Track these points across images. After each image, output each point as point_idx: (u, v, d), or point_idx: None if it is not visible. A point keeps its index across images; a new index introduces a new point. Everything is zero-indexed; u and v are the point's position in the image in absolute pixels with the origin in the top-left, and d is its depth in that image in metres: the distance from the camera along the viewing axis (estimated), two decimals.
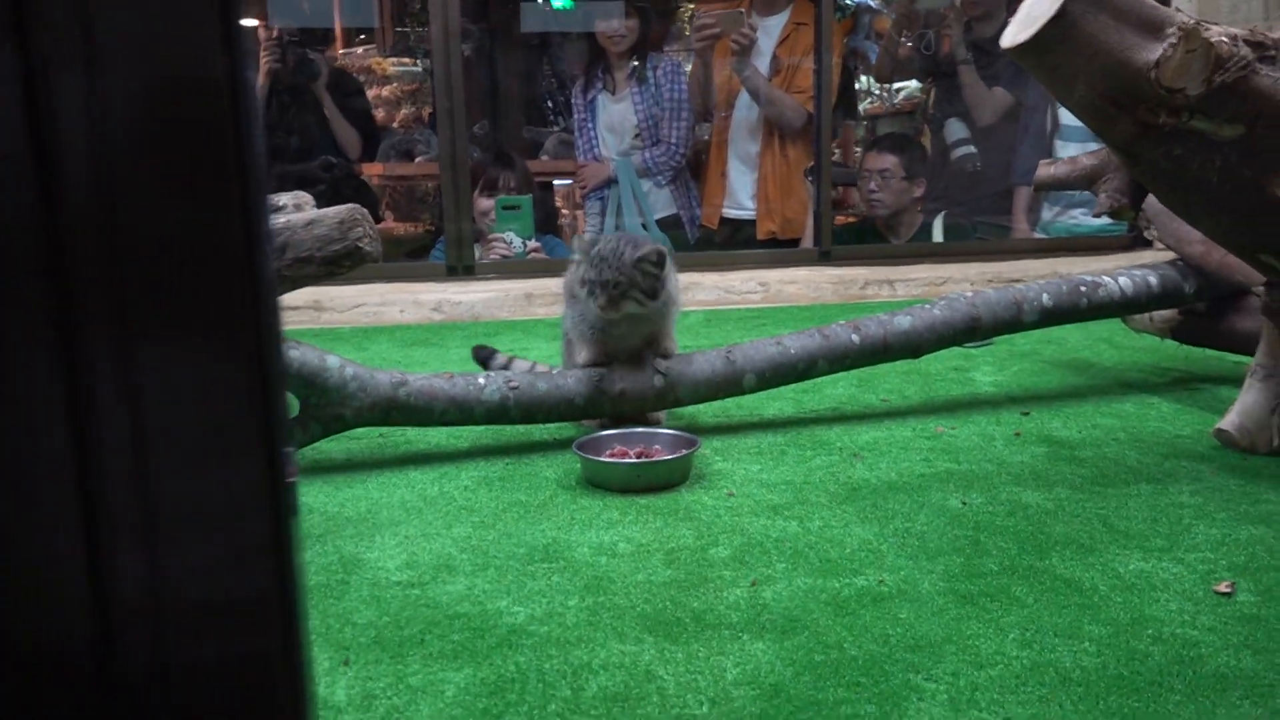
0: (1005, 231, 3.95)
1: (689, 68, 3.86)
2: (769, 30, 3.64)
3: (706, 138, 3.97)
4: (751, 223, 3.77)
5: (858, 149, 5.39)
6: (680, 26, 4.43)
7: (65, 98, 0.43)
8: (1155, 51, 1.40)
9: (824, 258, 3.36)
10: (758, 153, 3.73)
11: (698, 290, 3.12)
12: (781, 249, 3.55)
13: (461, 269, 3.21)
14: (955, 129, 3.97)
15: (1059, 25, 1.39)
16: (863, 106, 6.46)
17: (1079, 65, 1.43)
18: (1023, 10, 1.46)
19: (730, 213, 3.84)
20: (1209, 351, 2.19)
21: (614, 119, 3.91)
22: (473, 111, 4.13)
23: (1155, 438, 1.77)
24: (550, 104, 4.48)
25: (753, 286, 3.15)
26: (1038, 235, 3.76)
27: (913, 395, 2.10)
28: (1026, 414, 1.94)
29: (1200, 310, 2.07)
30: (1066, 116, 3.72)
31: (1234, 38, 1.41)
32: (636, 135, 3.86)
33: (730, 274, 3.23)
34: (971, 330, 1.94)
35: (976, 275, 3.25)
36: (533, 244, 3.25)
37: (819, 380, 2.06)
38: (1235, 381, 1.99)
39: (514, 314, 3.03)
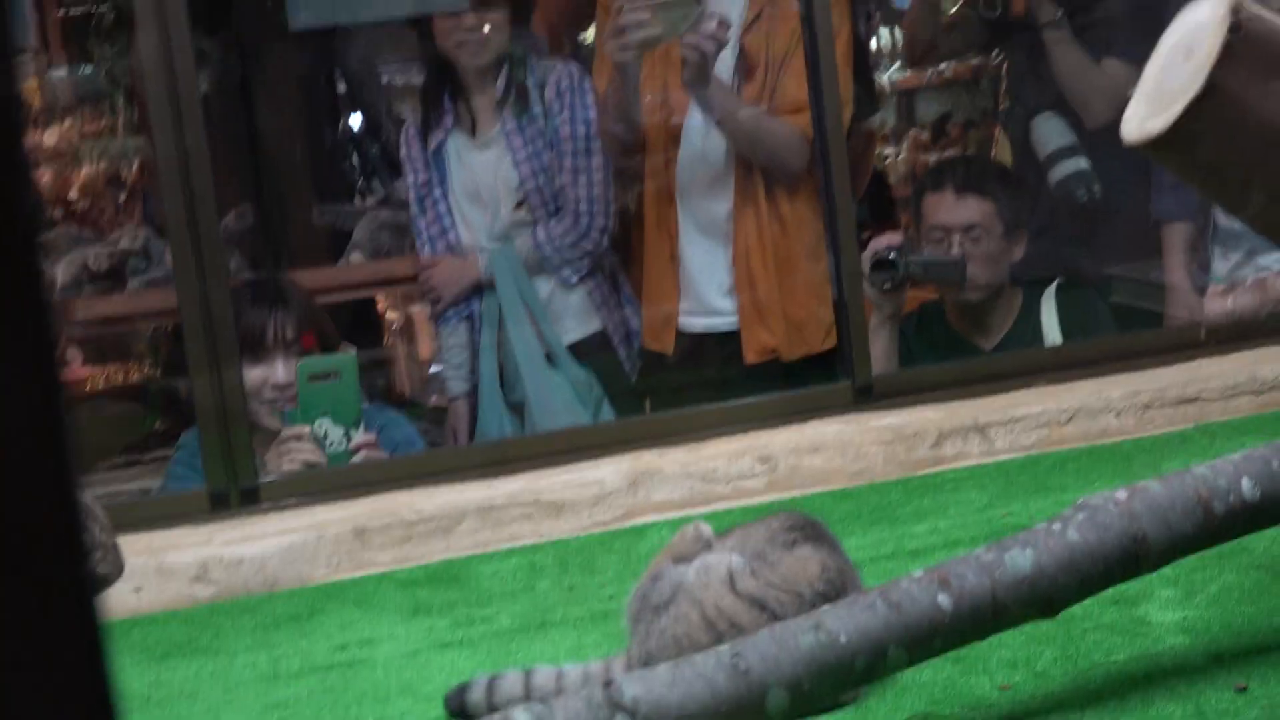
0: (1156, 293, 4.10)
1: (596, 82, 3.98)
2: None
3: (634, 198, 4.08)
4: (732, 336, 3.87)
5: (877, 164, 5.56)
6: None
7: None
8: None
9: (863, 397, 3.46)
10: (728, 214, 3.85)
11: (655, 483, 3.20)
12: (788, 386, 3.64)
13: (237, 496, 3.23)
14: (1051, 131, 4.15)
15: (1209, 106, 1.52)
16: (887, 78, 6.69)
17: (1249, 162, 1.56)
18: (1146, 80, 1.59)
19: (694, 322, 3.94)
20: None
21: (479, 178, 4.02)
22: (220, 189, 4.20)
23: None
24: (358, 160, 4.58)
25: (749, 466, 3.23)
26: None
27: (1050, 670, 2.16)
28: (1244, 689, 2.02)
29: None
30: None
31: None
32: (520, 203, 3.96)
33: (706, 445, 3.32)
34: (1134, 560, 2.03)
35: (1123, 398, 3.37)
36: (361, 435, 3.32)
37: None
38: None
39: (338, 570, 3.05)
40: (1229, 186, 1.59)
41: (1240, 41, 1.50)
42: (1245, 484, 2.06)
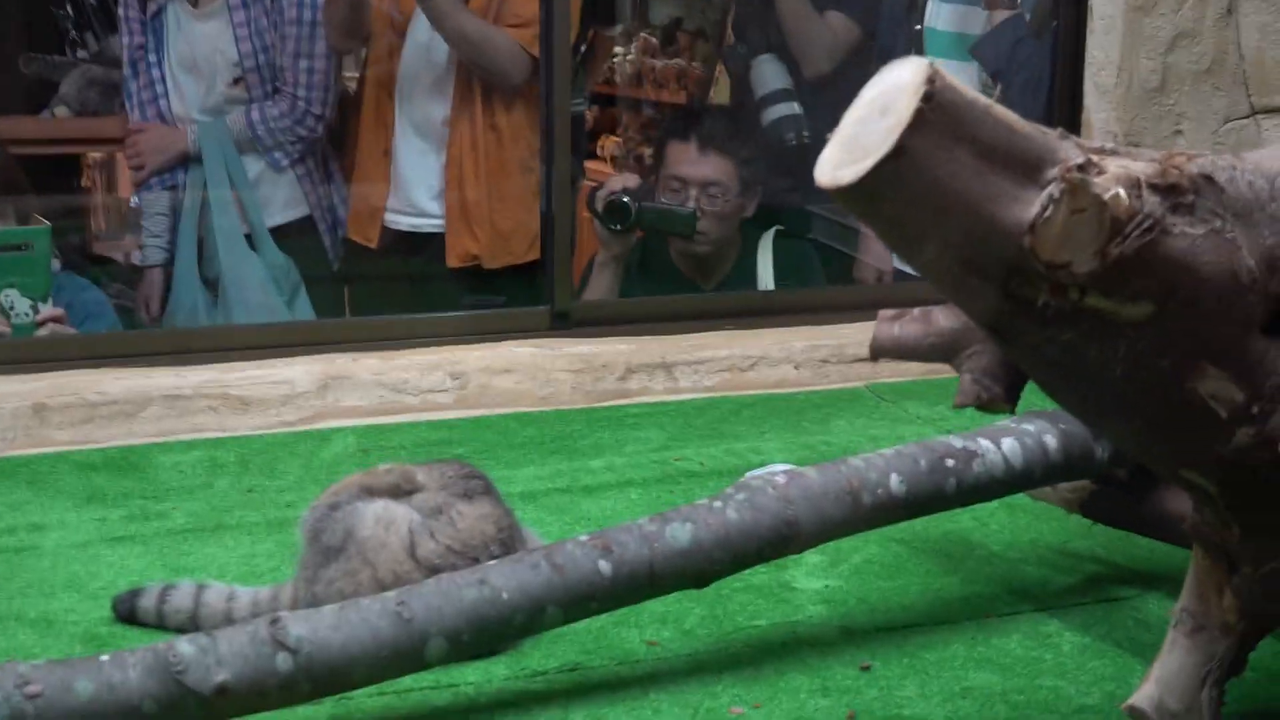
0: (854, 237, 4.32)
1: None
2: None
3: (353, 88, 4.09)
4: (437, 239, 3.94)
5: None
6: None
7: None
8: (1031, 206, 1.69)
9: (560, 323, 3.57)
10: (445, 119, 3.90)
11: (345, 388, 3.25)
12: (488, 298, 3.72)
13: None
14: (769, 74, 4.29)
15: (897, 166, 1.64)
16: None
17: (927, 220, 1.69)
18: (844, 127, 1.71)
19: (400, 220, 3.99)
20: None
21: (197, 49, 3.97)
22: None
23: (1049, 710, 2.09)
24: (72, 10, 4.44)
25: (440, 380, 3.31)
26: (900, 265, 4.15)
27: (697, 630, 2.31)
28: (868, 668, 2.21)
29: (1120, 479, 2.45)
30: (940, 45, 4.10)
31: (1136, 184, 1.72)
32: (237, 80, 3.94)
33: (400, 355, 3.38)
34: (785, 541, 2.20)
35: (804, 350, 3.56)
36: (49, 309, 3.29)
37: None
38: (1171, 583, 2.35)
39: (13, 445, 3.03)
40: (906, 240, 1.71)
41: (932, 110, 1.63)
42: (894, 480, 2.25)
